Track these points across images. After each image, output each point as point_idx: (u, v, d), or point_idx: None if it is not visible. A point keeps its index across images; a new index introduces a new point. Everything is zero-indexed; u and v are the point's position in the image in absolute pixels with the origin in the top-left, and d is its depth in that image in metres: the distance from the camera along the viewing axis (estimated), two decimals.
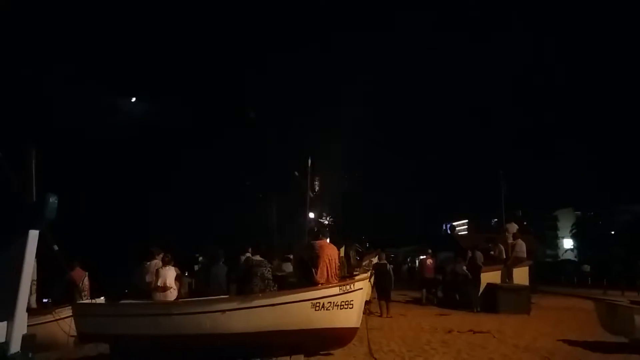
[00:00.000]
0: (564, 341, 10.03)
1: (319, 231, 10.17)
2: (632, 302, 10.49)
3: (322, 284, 8.41)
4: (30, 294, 10.22)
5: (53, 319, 9.37)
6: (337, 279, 8.76)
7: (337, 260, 9.00)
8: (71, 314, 8.88)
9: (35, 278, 10.27)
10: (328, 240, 9.40)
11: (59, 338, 9.32)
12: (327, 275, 8.63)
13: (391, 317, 13.85)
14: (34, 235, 2.73)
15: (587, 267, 37.07)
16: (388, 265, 15.64)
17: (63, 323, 9.13)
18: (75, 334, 8.79)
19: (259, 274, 8.71)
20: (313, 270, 8.68)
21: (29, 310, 9.59)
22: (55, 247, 8.78)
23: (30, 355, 2.27)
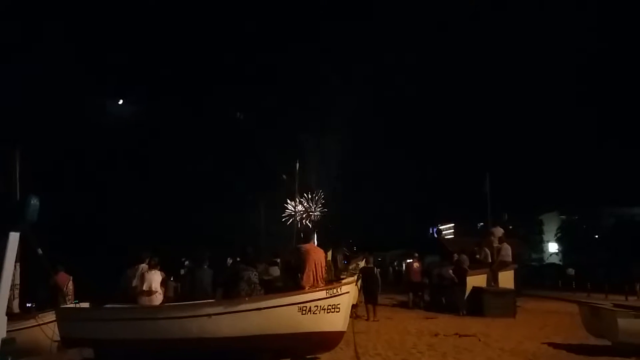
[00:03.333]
0: (549, 344, 10.12)
1: (306, 235, 10.18)
2: (616, 305, 10.62)
3: (308, 287, 8.41)
4: (13, 298, 10.09)
5: (36, 323, 9.24)
6: (324, 282, 8.77)
7: (323, 264, 9.01)
8: (54, 318, 8.77)
9: (18, 282, 10.15)
10: (315, 243, 9.40)
11: (42, 343, 9.19)
12: (314, 279, 8.64)
13: (378, 320, 13.86)
14: (14, 237, 2.69)
15: (571, 271, 37.39)
16: (375, 269, 15.67)
17: (46, 328, 9.01)
18: (58, 338, 8.68)
19: (245, 278, 8.68)
20: (299, 274, 8.69)
21: (12, 315, 9.50)
22: (39, 251, 8.68)
23: (9, 359, 2.23)
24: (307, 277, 8.64)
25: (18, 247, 9.16)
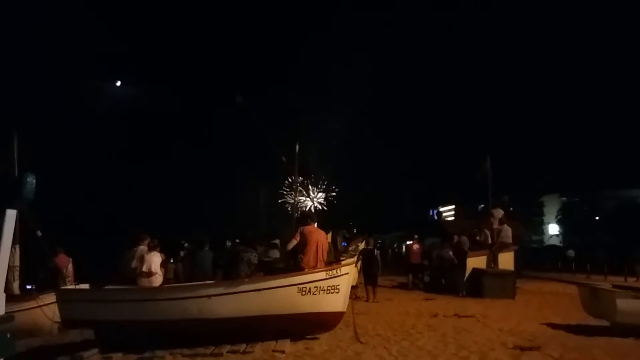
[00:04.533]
0: (548, 324, 10.14)
1: (307, 216, 10.17)
2: (614, 286, 10.65)
3: (309, 269, 8.44)
4: (14, 280, 10.15)
5: (37, 305, 9.29)
6: (325, 263, 8.78)
7: (324, 245, 9.00)
8: (55, 300, 8.80)
9: (18, 264, 10.19)
10: (315, 225, 9.38)
11: (42, 324, 9.25)
12: (315, 260, 8.65)
13: (377, 301, 13.92)
14: (11, 214, 2.66)
15: (571, 253, 37.53)
16: (376, 250, 15.72)
17: (47, 309, 9.06)
18: (59, 320, 8.72)
19: (245, 260, 8.72)
20: (300, 255, 8.71)
21: (12, 296, 9.54)
22: (39, 233, 8.72)
23: (8, 335, 2.21)
24: (308, 259, 8.66)
25: (18, 229, 9.17)
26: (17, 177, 2.52)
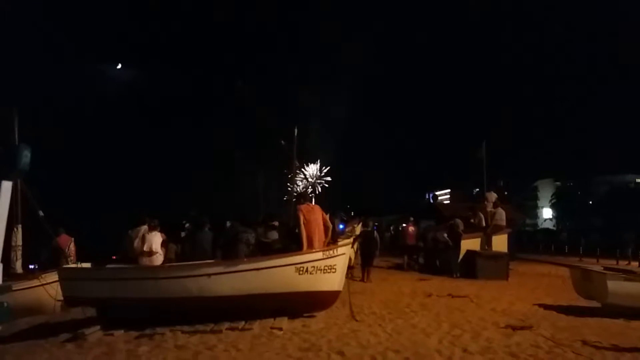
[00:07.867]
0: (540, 305, 10.35)
1: (300, 196, 10.29)
2: (606, 268, 10.86)
3: (307, 248, 8.59)
4: (16, 259, 10.28)
5: (39, 283, 9.42)
6: (323, 242, 8.89)
7: (322, 223, 9.07)
8: (57, 278, 8.93)
9: (21, 244, 10.30)
10: (313, 203, 9.47)
11: (45, 302, 9.39)
12: (313, 239, 8.78)
13: (371, 281, 14.08)
14: (7, 186, 2.76)
15: (564, 236, 37.87)
16: (374, 232, 15.90)
17: (49, 287, 9.19)
18: (61, 298, 8.86)
19: (244, 240, 8.87)
20: (300, 235, 8.83)
21: (16, 275, 9.67)
22: (41, 213, 8.82)
23: (5, 304, 2.32)
24: (307, 238, 8.78)
25: (20, 210, 9.24)
26: (13, 149, 2.60)
